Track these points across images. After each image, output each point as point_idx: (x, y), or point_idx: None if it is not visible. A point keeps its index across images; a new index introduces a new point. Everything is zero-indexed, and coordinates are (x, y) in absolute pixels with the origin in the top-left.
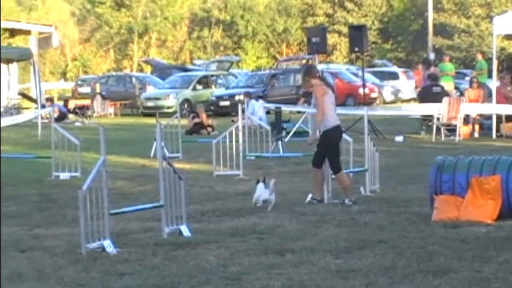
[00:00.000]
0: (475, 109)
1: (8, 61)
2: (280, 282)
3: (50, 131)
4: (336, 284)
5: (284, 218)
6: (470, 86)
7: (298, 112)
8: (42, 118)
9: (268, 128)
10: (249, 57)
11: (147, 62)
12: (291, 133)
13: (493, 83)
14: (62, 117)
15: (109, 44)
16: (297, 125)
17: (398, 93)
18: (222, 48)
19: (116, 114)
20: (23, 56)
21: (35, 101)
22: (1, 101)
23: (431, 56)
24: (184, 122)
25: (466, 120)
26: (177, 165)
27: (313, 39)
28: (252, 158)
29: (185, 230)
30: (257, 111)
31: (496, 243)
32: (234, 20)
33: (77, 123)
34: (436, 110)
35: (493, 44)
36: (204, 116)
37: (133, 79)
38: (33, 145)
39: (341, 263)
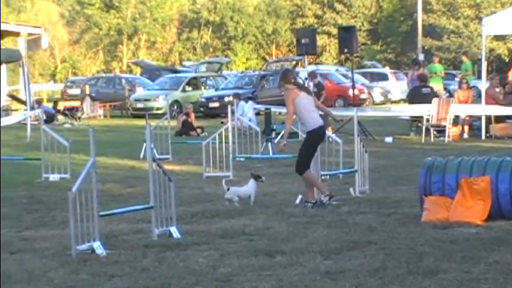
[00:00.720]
0: (465, 110)
1: None
2: (270, 283)
3: (39, 133)
4: (326, 285)
5: (274, 220)
6: (460, 87)
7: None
8: (31, 120)
9: (258, 129)
10: (239, 58)
11: (136, 64)
12: (281, 134)
13: (482, 84)
14: (50, 119)
15: (98, 45)
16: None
17: (387, 94)
18: (211, 49)
19: (105, 116)
20: (12, 58)
21: (24, 102)
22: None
23: (421, 57)
24: (174, 123)
25: (456, 121)
26: (166, 166)
27: (303, 41)
28: (242, 159)
29: (175, 232)
30: (247, 112)
31: (485, 244)
32: (223, 21)
33: (67, 125)
34: (426, 111)
35: (482, 45)
36: (192, 116)
37: (123, 80)
38: (22, 147)
39: (331, 264)
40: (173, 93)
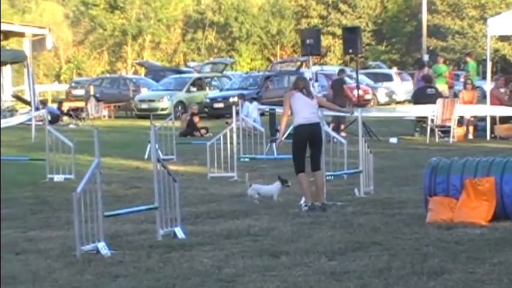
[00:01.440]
0: (469, 111)
1: (2, 63)
2: (275, 284)
3: (43, 134)
4: (331, 286)
5: (278, 220)
6: (465, 88)
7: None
8: (36, 120)
9: (263, 130)
10: (243, 59)
11: (141, 64)
12: (285, 135)
13: (487, 85)
14: (55, 120)
15: (103, 46)
16: (291, 127)
17: (392, 95)
18: (216, 50)
19: (110, 117)
20: (17, 58)
21: (28, 103)
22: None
23: (425, 57)
24: (178, 124)
25: (460, 121)
26: (171, 167)
27: (307, 41)
28: (247, 160)
29: (179, 232)
30: (251, 113)
31: (490, 245)
32: (228, 22)
33: (71, 126)
34: (430, 111)
35: (487, 46)
36: (197, 118)
37: (128, 81)
38: (27, 147)
39: (335, 265)
40: (178, 93)
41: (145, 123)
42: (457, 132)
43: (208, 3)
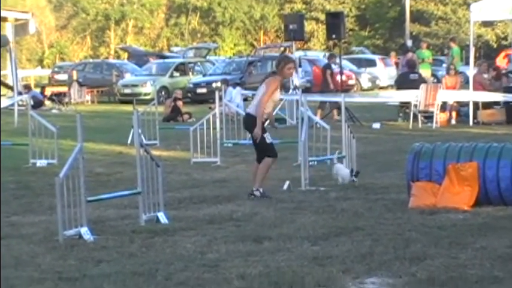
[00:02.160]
0: (452, 96)
1: None
2: (258, 269)
3: (26, 118)
4: (313, 271)
5: (261, 205)
6: (448, 73)
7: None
8: (18, 105)
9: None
10: (227, 44)
11: (124, 49)
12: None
13: (470, 70)
14: (38, 105)
15: (86, 30)
16: (275, 112)
17: (375, 80)
18: (199, 35)
19: (93, 102)
20: None
21: (11, 88)
22: None
23: (409, 43)
24: (162, 109)
25: (443, 107)
26: (154, 152)
27: (291, 26)
28: (230, 145)
29: (162, 217)
30: (234, 98)
31: (472, 230)
32: (211, 6)
33: (54, 111)
34: (414, 97)
35: (470, 31)
36: (180, 102)
37: (111, 66)
38: (9, 132)
39: (318, 250)
40: (161, 78)
41: (129, 108)
42: (440, 117)
43: None
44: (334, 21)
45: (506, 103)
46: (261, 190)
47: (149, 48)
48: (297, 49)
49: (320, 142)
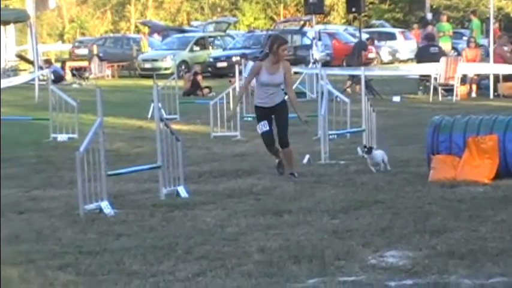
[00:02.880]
0: (473, 69)
1: (5, 23)
2: (278, 242)
3: (47, 93)
4: (333, 244)
5: (281, 179)
6: (468, 46)
7: (296, 73)
8: (39, 80)
9: None
10: (246, 18)
11: (144, 24)
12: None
13: (490, 43)
14: (59, 79)
15: (106, 5)
16: (294, 86)
17: (395, 54)
18: (219, 9)
19: (113, 76)
20: (20, 18)
21: (32, 62)
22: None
23: (429, 16)
24: (182, 83)
25: (464, 80)
26: (174, 126)
27: (311, 0)
28: (250, 119)
29: (182, 191)
30: None
31: (492, 203)
32: None
33: (74, 85)
34: (434, 70)
35: (490, 4)
36: (200, 76)
37: (131, 41)
38: (30, 107)
39: (338, 223)
40: (181, 53)
41: (149, 82)
42: (460, 90)
43: None
44: None
45: None
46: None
47: (169, 22)
48: (317, 23)
49: (340, 116)
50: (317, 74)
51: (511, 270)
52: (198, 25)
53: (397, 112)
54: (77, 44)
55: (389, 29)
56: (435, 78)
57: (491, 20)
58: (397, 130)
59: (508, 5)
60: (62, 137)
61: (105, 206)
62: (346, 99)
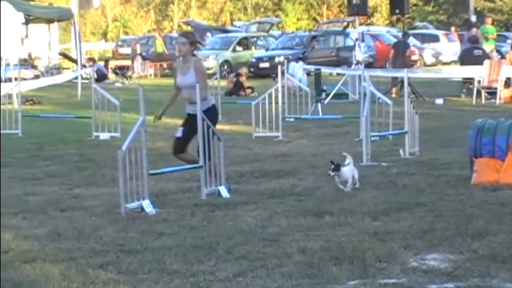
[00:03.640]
0: None
1: (49, 21)
2: (318, 243)
3: (89, 92)
4: (374, 246)
5: (323, 180)
6: None
7: (338, 74)
8: (82, 78)
9: (308, 90)
10: (289, 18)
11: (187, 23)
12: (331, 95)
13: None
14: (102, 78)
15: (149, 4)
16: (337, 87)
17: (439, 56)
18: (262, 9)
19: (155, 75)
20: (64, 16)
21: (75, 61)
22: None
23: (473, 18)
24: (224, 83)
25: (507, 83)
26: (216, 126)
27: (354, 1)
28: (291, 120)
29: (224, 191)
30: (297, 73)
31: None
32: None
33: (117, 84)
34: (477, 72)
35: None
36: (244, 78)
37: (174, 40)
38: (73, 105)
39: (379, 225)
40: (223, 53)
41: None
42: (503, 93)
43: None
44: None
45: None
46: None
47: (212, 22)
48: (360, 24)
49: (382, 117)
50: (359, 76)
51: None
52: (241, 25)
53: (440, 114)
54: (120, 42)
55: (432, 31)
56: (478, 81)
57: None
58: (439, 132)
59: None
60: (104, 136)
61: (147, 204)
62: (389, 101)
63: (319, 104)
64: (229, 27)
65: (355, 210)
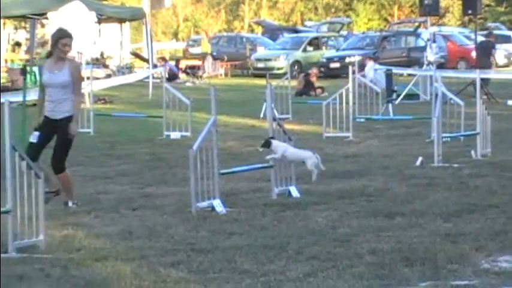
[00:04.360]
0: None
1: (121, 21)
2: (390, 244)
3: (161, 91)
4: (446, 248)
5: (393, 181)
6: None
7: (409, 75)
8: (153, 78)
9: (379, 90)
10: (360, 19)
11: (258, 23)
12: (402, 96)
13: None
14: (173, 77)
15: (220, 4)
16: (408, 88)
17: (511, 57)
18: (333, 9)
19: (226, 75)
20: (136, 16)
21: (146, 60)
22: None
23: None
24: (294, 83)
25: None
26: (286, 126)
27: (426, 1)
28: (362, 120)
29: (294, 191)
30: (367, 73)
31: None
32: None
33: (188, 84)
34: None
35: None
36: (314, 78)
37: (244, 40)
38: (144, 104)
39: (451, 227)
40: (294, 53)
41: (262, 82)
42: None
43: None
44: None
45: None
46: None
47: (283, 22)
48: (432, 24)
49: (454, 118)
50: (431, 76)
51: None
52: (311, 25)
53: None
54: (190, 42)
55: (505, 31)
56: None
57: None
58: (511, 134)
59: None
60: (175, 135)
61: (217, 204)
62: (460, 102)
63: (390, 105)
64: (300, 27)
65: (427, 211)
